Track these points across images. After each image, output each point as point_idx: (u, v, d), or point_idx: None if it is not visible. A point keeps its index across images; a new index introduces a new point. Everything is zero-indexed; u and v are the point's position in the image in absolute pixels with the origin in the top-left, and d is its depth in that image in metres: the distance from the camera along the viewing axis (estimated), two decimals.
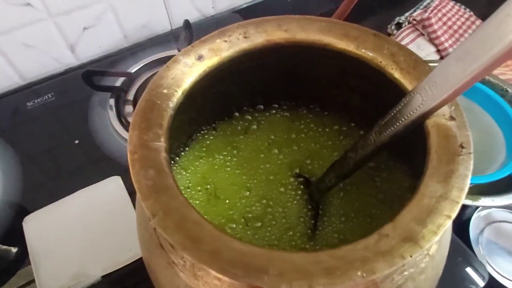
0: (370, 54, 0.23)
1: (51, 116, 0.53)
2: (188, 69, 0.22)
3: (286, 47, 0.25)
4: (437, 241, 0.20)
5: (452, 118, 0.19)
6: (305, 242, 0.27)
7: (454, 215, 0.16)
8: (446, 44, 0.64)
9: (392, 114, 0.22)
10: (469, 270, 0.38)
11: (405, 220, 0.16)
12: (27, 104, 0.54)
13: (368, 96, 0.29)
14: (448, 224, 0.16)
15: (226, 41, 0.23)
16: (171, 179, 0.17)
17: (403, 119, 0.21)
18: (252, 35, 0.24)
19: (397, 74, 0.22)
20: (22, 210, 0.44)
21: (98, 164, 0.48)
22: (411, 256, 0.15)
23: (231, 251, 0.15)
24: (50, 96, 0.55)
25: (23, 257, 0.41)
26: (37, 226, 0.40)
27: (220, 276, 0.15)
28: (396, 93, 0.23)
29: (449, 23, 0.66)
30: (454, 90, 0.17)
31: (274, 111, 0.34)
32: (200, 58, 0.22)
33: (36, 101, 0.54)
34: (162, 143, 0.19)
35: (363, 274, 0.15)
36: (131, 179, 0.17)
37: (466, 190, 0.17)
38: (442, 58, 0.64)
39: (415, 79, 0.21)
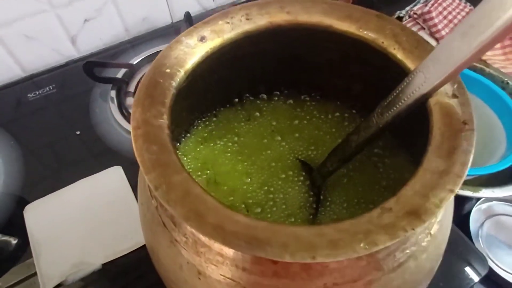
0: (372, 35, 0.23)
1: (52, 108, 0.53)
2: (191, 50, 0.22)
3: (288, 30, 0.25)
4: (439, 221, 0.20)
5: (455, 96, 0.19)
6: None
7: (457, 189, 0.16)
8: None
9: (395, 94, 0.21)
10: (469, 261, 0.38)
11: (408, 194, 0.16)
12: (28, 96, 0.54)
13: (370, 82, 0.29)
14: (451, 198, 0.16)
15: (228, 22, 0.23)
16: (174, 154, 0.17)
17: (405, 99, 0.21)
18: (255, 17, 0.24)
19: (399, 54, 0.22)
20: (22, 202, 0.44)
21: (99, 155, 0.48)
22: (413, 229, 0.15)
23: (235, 224, 0.15)
24: (51, 88, 0.55)
25: (23, 248, 0.41)
26: (38, 215, 0.40)
27: (223, 248, 0.15)
28: (398, 77, 0.23)
29: (450, 17, 0.66)
30: (458, 66, 0.17)
31: (276, 98, 0.34)
32: (202, 39, 0.22)
33: (37, 92, 0.54)
34: (164, 121, 0.19)
35: (366, 246, 0.15)
36: (134, 154, 0.17)
37: (468, 165, 0.17)
38: None
39: (417, 58, 0.21)
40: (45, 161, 0.48)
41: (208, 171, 0.30)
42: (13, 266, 0.40)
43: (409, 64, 0.22)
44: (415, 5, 0.68)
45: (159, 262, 0.22)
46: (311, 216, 0.28)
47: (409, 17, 0.67)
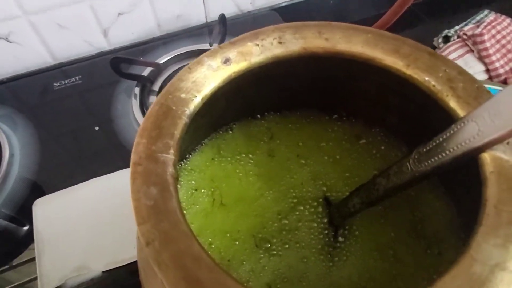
0: (422, 76, 0.20)
1: (76, 99, 0.52)
2: (212, 73, 0.20)
3: (324, 58, 0.22)
4: None
5: None
6: (320, 276, 0.24)
7: None
8: (497, 64, 0.59)
9: (438, 141, 0.18)
10: None
11: None
12: (54, 84, 0.54)
13: (408, 116, 0.26)
14: None
15: (258, 45, 0.21)
16: (175, 201, 0.15)
17: (451, 150, 0.18)
18: (288, 41, 0.21)
19: (452, 103, 0.19)
20: (36, 188, 0.44)
21: (114, 152, 0.47)
22: None
23: None
24: (77, 79, 0.54)
25: (31, 238, 0.40)
26: (46, 211, 0.40)
27: None
28: (444, 118, 0.19)
29: (503, 41, 0.61)
30: None
31: (300, 119, 0.31)
32: (226, 61, 0.20)
33: (63, 82, 0.54)
34: (171, 156, 0.16)
35: None
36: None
37: None
38: (490, 78, 0.59)
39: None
40: (62, 150, 0.48)
41: (215, 191, 0.27)
42: (21, 253, 0.40)
43: (462, 114, 0.18)
44: (466, 25, 0.63)
45: None
46: (322, 258, 0.25)
47: (458, 37, 0.62)
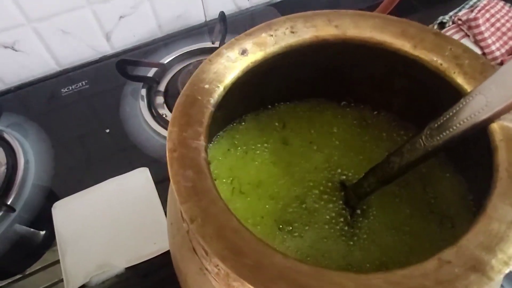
0: (429, 55, 0.21)
1: (84, 104, 0.53)
2: (231, 64, 0.21)
3: (335, 45, 0.23)
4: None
5: None
6: (341, 253, 0.26)
7: None
8: (493, 47, 0.60)
9: (448, 116, 0.19)
10: None
11: (470, 246, 0.15)
12: (62, 90, 0.55)
13: (415, 98, 0.27)
14: None
15: (272, 35, 0.22)
16: (211, 181, 0.16)
17: (461, 123, 0.19)
18: (300, 30, 0.22)
19: (460, 79, 0.20)
20: (51, 195, 0.45)
21: (127, 153, 0.48)
22: None
23: (274, 266, 0.14)
24: (84, 84, 0.55)
25: (50, 241, 0.41)
26: (66, 213, 0.41)
27: None
28: (452, 95, 0.21)
29: (498, 24, 0.62)
30: None
31: (309, 107, 0.32)
32: (244, 52, 0.21)
33: (70, 87, 0.55)
34: (202, 142, 0.17)
35: None
36: (168, 176, 0.16)
37: None
38: None
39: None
40: (74, 155, 0.48)
41: (233, 180, 0.29)
42: (39, 258, 0.40)
43: (470, 89, 0.20)
44: (459, 11, 0.64)
45: (185, 284, 0.21)
46: (343, 238, 0.26)
47: (453, 23, 0.63)
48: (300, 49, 0.23)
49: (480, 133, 0.19)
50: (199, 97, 0.19)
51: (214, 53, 0.21)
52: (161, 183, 0.42)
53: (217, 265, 0.17)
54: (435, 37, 0.21)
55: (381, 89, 0.29)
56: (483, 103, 0.18)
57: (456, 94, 0.21)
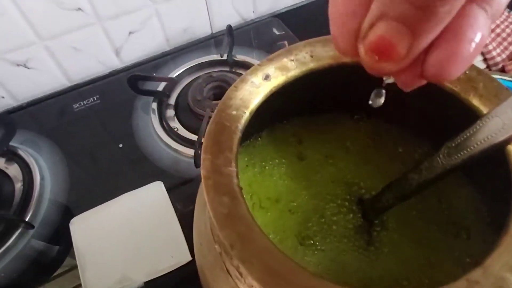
0: None
1: (96, 119, 0.54)
2: (255, 89, 0.22)
3: (352, 66, 0.24)
4: None
5: None
6: (362, 267, 0.26)
7: None
8: (494, 53, 0.62)
9: (465, 136, 0.20)
10: None
11: (496, 266, 0.15)
12: (74, 106, 0.55)
13: (428, 116, 0.28)
14: None
15: (292, 60, 0.23)
16: (245, 207, 0.17)
17: (478, 143, 0.20)
18: (319, 54, 0.23)
19: (475, 101, 0.21)
20: (67, 210, 0.46)
21: (140, 167, 0.49)
22: None
23: None
24: (95, 99, 0.56)
25: (64, 255, 0.42)
26: (83, 228, 0.41)
27: None
28: (465, 115, 0.21)
29: (498, 30, 0.63)
30: None
31: (324, 122, 0.33)
32: (267, 77, 0.22)
33: (82, 103, 0.56)
34: (233, 168, 0.18)
35: None
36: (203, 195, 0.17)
37: None
38: (488, 67, 0.61)
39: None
40: (88, 171, 0.49)
41: (253, 195, 0.30)
42: (53, 273, 0.41)
43: (485, 110, 0.20)
44: None
45: None
46: (369, 255, 0.27)
47: None
48: (319, 72, 0.24)
49: (495, 153, 0.20)
50: (228, 124, 0.20)
51: (239, 79, 0.22)
52: (176, 198, 0.43)
53: (252, 286, 0.18)
54: None
55: (394, 105, 0.30)
56: (500, 125, 0.19)
57: (470, 114, 0.22)
